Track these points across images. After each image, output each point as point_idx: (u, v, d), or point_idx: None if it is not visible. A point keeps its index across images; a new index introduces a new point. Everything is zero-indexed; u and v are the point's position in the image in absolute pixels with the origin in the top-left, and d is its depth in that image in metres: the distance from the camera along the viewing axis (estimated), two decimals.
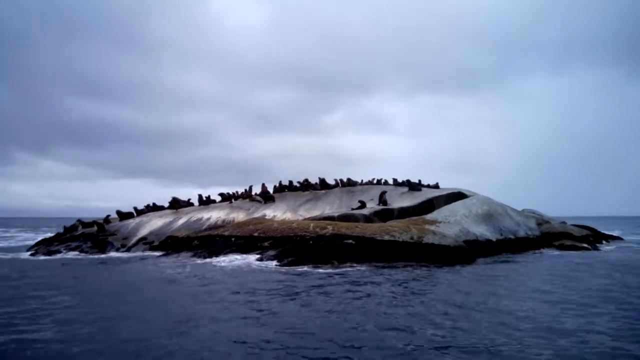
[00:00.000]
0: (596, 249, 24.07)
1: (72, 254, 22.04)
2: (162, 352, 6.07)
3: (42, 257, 21.40)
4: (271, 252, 17.37)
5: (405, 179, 29.16)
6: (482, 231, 20.58)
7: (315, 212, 25.37)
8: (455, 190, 26.42)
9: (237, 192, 31.26)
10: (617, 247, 25.75)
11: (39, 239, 28.85)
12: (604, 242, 29.23)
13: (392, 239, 17.17)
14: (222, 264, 16.34)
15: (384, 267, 14.91)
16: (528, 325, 7.31)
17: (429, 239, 17.47)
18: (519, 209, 30.32)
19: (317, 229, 19.01)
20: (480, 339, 6.51)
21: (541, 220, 26.94)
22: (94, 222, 26.29)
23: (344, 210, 24.59)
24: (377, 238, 17.08)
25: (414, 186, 27.62)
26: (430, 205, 24.12)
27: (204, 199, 29.80)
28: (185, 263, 17.30)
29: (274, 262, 16.07)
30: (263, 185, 30.24)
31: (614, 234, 35.95)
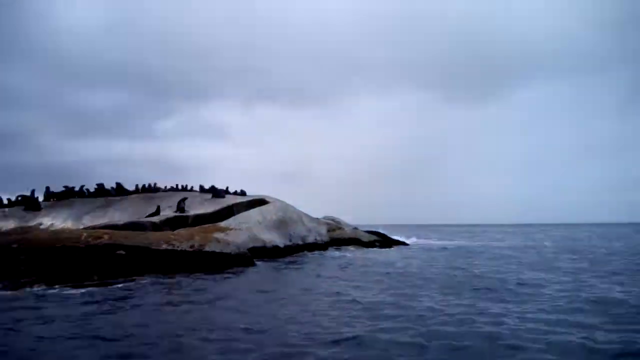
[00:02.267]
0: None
1: None
2: None
3: None
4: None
5: (211, 185, 28.63)
6: (271, 237, 21.20)
7: (104, 220, 23.07)
8: (258, 197, 26.90)
9: (17, 197, 26.78)
10: (395, 250, 29.25)
11: None
12: (389, 247, 33.01)
13: (170, 247, 16.37)
14: None
15: (158, 280, 14.06)
16: None
17: (210, 247, 17.17)
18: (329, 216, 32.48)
19: (90, 239, 17.07)
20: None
21: (334, 227, 29.20)
22: None
23: (138, 217, 22.89)
24: (153, 247, 16.09)
25: (217, 193, 27.30)
26: (229, 212, 24.03)
27: None
28: None
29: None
30: (32, 191, 26.28)
31: (402, 240, 40.57)
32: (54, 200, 26.36)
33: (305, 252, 22.50)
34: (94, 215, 23.90)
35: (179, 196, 26.68)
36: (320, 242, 24.36)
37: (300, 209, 27.10)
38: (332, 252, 23.87)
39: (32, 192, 25.76)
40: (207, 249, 17.05)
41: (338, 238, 27.46)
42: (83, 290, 12.11)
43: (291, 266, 18.11)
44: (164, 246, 16.40)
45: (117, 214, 24.04)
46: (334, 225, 29.63)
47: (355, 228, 32.02)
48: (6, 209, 25.39)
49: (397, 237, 40.74)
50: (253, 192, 29.61)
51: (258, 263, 18.07)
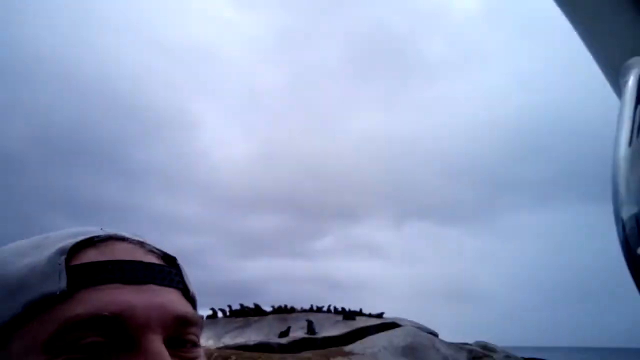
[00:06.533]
0: None
1: None
2: None
3: None
4: None
5: (342, 307, 28.30)
6: None
7: (241, 340, 24.03)
8: (389, 321, 25.54)
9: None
10: None
11: None
12: None
13: None
14: None
15: None
16: None
17: None
18: (499, 340, 29.22)
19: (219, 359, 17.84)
20: None
21: (481, 354, 25.58)
22: None
23: (269, 338, 23.39)
24: None
25: (348, 315, 26.72)
26: (358, 335, 23.06)
27: None
28: None
29: None
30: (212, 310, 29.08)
31: None
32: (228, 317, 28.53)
33: None
34: (233, 335, 25.10)
35: (312, 317, 26.77)
36: None
37: (442, 332, 24.92)
38: None
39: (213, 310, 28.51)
40: None
41: None
42: None
43: None
44: None
45: (253, 334, 24.88)
46: (479, 352, 26.01)
47: (508, 356, 27.59)
48: None
49: None
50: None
51: None
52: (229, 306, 29.74)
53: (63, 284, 0.44)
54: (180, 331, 0.48)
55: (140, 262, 0.50)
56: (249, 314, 28.43)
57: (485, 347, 28.96)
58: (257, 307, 28.90)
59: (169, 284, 0.50)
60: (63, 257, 0.46)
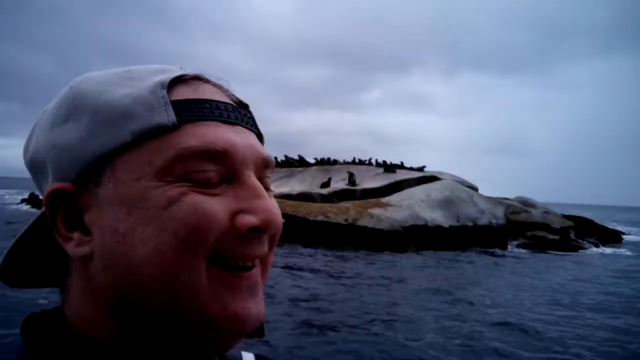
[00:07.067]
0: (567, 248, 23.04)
1: None
2: None
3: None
4: None
5: (383, 160, 28.71)
6: (435, 216, 20.09)
7: (285, 189, 25.43)
8: (429, 174, 25.83)
9: None
10: (597, 253, 24.06)
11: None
12: (591, 238, 27.64)
13: (325, 220, 17.07)
14: None
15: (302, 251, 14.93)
16: None
17: (363, 221, 17.26)
18: (543, 196, 29.48)
19: None
20: None
21: (519, 209, 25.96)
22: None
23: (312, 188, 24.55)
24: (310, 218, 17.03)
25: (388, 167, 27.19)
26: (397, 188, 23.71)
27: None
28: None
29: None
30: None
31: (619, 229, 31.93)
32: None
33: (476, 249, 19.93)
34: (277, 185, 26.56)
35: (354, 169, 27.51)
36: (495, 225, 22.03)
37: (485, 187, 25.27)
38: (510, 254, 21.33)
39: None
40: (359, 223, 17.21)
41: (522, 222, 24.42)
42: None
43: (454, 269, 16.85)
44: (320, 218, 17.19)
45: (297, 184, 26.21)
46: (518, 207, 26.37)
47: (547, 212, 27.88)
48: None
49: (612, 226, 33.47)
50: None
51: (410, 254, 17.30)
52: (275, 157, 30.97)
53: (172, 116, 0.47)
54: (262, 172, 0.52)
55: (230, 104, 0.52)
56: (293, 165, 29.55)
57: (525, 202, 29.24)
58: (301, 158, 29.88)
59: (251, 128, 0.53)
60: (164, 91, 0.48)
